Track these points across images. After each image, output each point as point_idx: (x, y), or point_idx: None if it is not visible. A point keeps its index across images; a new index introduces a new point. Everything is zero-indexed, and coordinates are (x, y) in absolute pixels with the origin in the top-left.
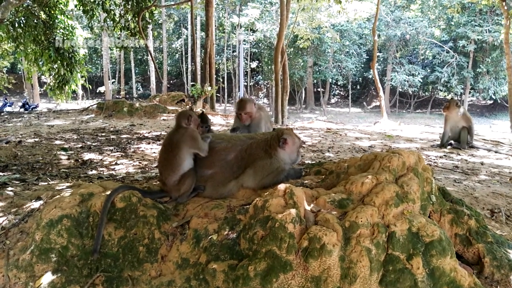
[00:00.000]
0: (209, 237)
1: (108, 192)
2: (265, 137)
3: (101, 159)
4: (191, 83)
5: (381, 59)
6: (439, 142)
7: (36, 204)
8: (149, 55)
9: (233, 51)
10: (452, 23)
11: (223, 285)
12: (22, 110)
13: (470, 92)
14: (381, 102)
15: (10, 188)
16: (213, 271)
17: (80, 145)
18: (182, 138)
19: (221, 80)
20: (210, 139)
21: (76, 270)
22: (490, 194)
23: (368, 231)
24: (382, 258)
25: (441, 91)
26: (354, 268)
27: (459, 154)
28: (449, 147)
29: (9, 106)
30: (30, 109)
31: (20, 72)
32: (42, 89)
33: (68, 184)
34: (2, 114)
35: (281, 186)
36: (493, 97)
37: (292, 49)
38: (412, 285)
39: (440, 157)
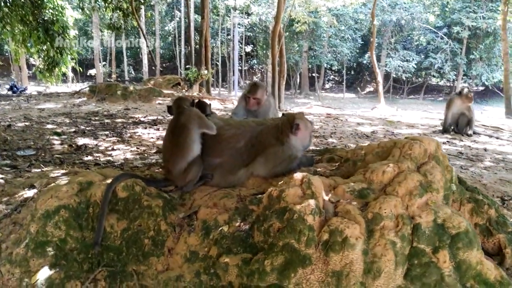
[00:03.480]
0: (220, 229)
1: (109, 181)
2: (276, 122)
3: (96, 144)
4: (187, 67)
5: (376, 44)
6: (440, 128)
7: (29, 193)
8: (143, 37)
9: (228, 35)
10: (447, 9)
11: (236, 280)
12: (10, 93)
13: (462, 79)
14: (379, 88)
15: (0, 176)
16: (225, 265)
17: (73, 130)
18: (189, 119)
19: (216, 64)
20: (214, 118)
21: (75, 264)
22: (498, 181)
23: (392, 223)
24: (407, 251)
25: (434, 77)
26: (378, 262)
27: (462, 140)
28: (447, 135)
29: None
30: (18, 92)
31: (7, 54)
32: (30, 72)
33: (63, 171)
34: None
35: (298, 175)
36: (486, 83)
37: (287, 33)
38: (439, 279)
39: (444, 143)
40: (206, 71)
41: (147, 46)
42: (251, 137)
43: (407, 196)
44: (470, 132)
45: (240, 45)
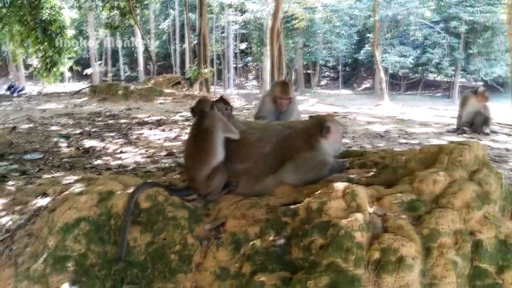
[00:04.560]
0: (251, 243)
1: (130, 190)
2: (304, 125)
3: (104, 147)
4: (189, 65)
5: (372, 40)
6: (454, 127)
7: (42, 202)
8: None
9: (222, 33)
10: (443, 3)
11: None
12: (8, 93)
13: (461, 74)
14: (382, 84)
15: (11, 182)
16: (261, 285)
17: (78, 131)
18: (213, 123)
19: (215, 62)
20: (237, 122)
21: (97, 281)
22: None
23: (450, 240)
24: (468, 272)
25: (432, 72)
26: (439, 285)
27: (480, 140)
28: (464, 134)
29: None
30: (16, 92)
31: (4, 54)
32: (27, 72)
33: (76, 178)
34: None
35: (339, 185)
36: (484, 78)
37: (282, 30)
38: None
39: None
40: (206, 70)
41: (146, 44)
42: (278, 141)
43: (464, 209)
44: (487, 130)
45: (235, 42)
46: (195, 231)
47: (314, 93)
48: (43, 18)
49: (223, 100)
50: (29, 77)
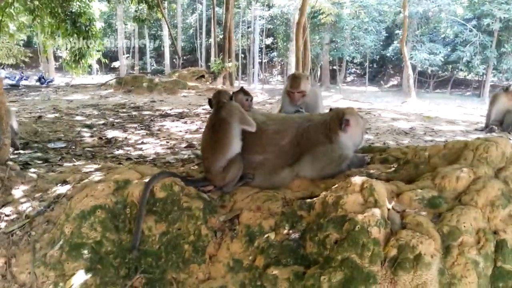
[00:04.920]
0: (266, 236)
1: (147, 179)
2: (324, 118)
3: (126, 137)
4: (214, 59)
5: (401, 36)
6: (483, 125)
7: (62, 189)
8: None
9: (248, 27)
10: (476, 0)
11: None
12: (38, 84)
13: (492, 73)
14: (410, 81)
15: (32, 170)
16: (274, 278)
17: (102, 122)
18: (230, 113)
19: (236, 56)
20: (256, 113)
21: (112, 269)
22: None
23: (472, 238)
24: (490, 272)
25: (462, 71)
26: (458, 285)
27: (510, 139)
28: (493, 133)
29: (25, 80)
30: (46, 83)
31: (35, 46)
32: (57, 63)
33: (96, 166)
34: (19, 87)
35: (357, 179)
36: None
37: (309, 25)
38: None
39: None
40: (230, 64)
41: (172, 37)
42: (297, 134)
43: (488, 207)
44: None
45: (261, 37)
46: (209, 222)
47: (340, 89)
48: (73, 11)
49: (243, 91)
50: (59, 68)
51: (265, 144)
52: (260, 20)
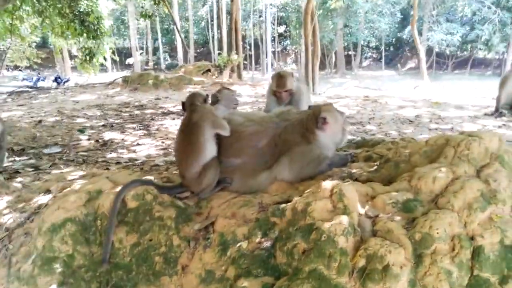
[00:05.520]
0: (238, 245)
1: (118, 189)
2: (301, 117)
3: (123, 139)
4: (218, 52)
5: (417, 17)
6: (493, 109)
7: (44, 199)
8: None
9: (260, 16)
10: None
11: None
12: (54, 84)
13: None
14: (421, 64)
15: (19, 179)
16: None
17: (102, 123)
18: (202, 117)
19: (248, 47)
20: (234, 114)
21: (83, 283)
22: None
23: (446, 246)
24: (466, 282)
25: (481, 50)
26: None
27: None
28: (503, 117)
29: (42, 80)
30: (62, 83)
31: (51, 46)
32: (73, 63)
33: (81, 173)
34: (38, 88)
35: (326, 184)
36: None
37: (321, 11)
38: None
39: (499, 126)
40: (236, 56)
41: (178, 31)
42: (274, 135)
43: (465, 210)
44: None
45: (273, 26)
46: (182, 231)
47: (355, 75)
48: (81, 10)
49: (226, 88)
50: (75, 67)
51: (243, 146)
52: (271, 8)
